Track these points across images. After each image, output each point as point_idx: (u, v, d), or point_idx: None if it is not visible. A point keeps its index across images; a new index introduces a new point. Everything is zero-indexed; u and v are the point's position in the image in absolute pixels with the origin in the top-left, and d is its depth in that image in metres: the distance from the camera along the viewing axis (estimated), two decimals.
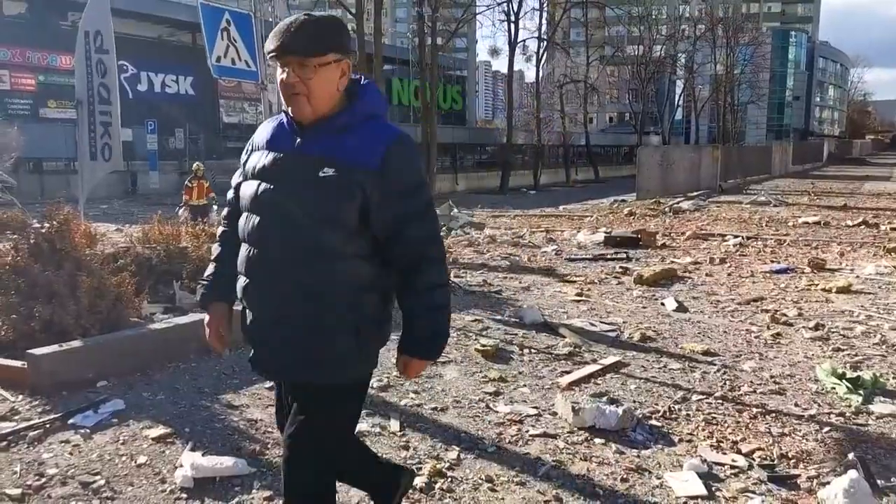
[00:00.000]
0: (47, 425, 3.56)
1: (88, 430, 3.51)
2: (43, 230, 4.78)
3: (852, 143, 74.90)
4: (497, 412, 3.82)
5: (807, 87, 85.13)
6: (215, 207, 14.33)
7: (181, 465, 3.09)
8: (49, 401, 3.87)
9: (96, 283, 4.60)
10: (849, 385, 4.09)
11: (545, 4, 38.48)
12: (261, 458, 3.23)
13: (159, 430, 3.50)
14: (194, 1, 9.20)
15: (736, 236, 10.91)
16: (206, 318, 2.20)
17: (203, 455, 3.15)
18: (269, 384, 4.23)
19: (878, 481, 2.91)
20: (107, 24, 6.45)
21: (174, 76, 34.54)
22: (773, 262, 8.79)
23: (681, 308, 6.33)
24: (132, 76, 30.64)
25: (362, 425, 3.58)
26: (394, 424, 3.62)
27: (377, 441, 3.43)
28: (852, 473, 2.86)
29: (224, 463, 3.05)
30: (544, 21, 39.28)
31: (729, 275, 8.03)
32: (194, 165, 14.52)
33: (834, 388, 4.13)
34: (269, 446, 3.36)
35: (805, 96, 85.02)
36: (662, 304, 6.52)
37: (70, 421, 3.61)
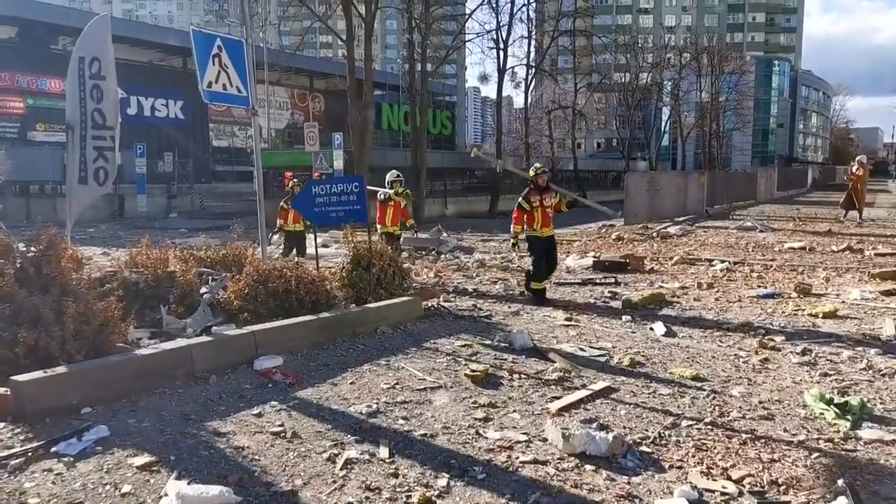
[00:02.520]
0: (29, 453, 3.50)
1: (72, 459, 3.45)
2: (29, 254, 4.74)
3: (836, 169, 76.02)
4: (487, 438, 3.80)
5: (790, 114, 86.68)
6: (309, 235, 13.33)
7: (166, 495, 3.04)
8: (32, 428, 3.81)
9: (82, 309, 4.56)
10: (837, 410, 4.11)
11: (533, 32, 39.09)
12: (248, 487, 3.18)
13: (144, 458, 3.44)
14: (186, 26, 9.28)
15: (723, 261, 10.99)
16: None
17: (189, 484, 3.10)
18: (256, 411, 4.19)
19: None
20: (106, 51, 6.48)
21: (164, 100, 34.70)
22: (759, 286, 8.85)
23: (669, 333, 6.34)
24: (122, 100, 30.54)
25: (351, 452, 3.55)
26: (383, 451, 3.58)
27: (366, 468, 3.39)
28: (842, 500, 2.87)
29: (210, 492, 3.00)
30: (532, 48, 39.86)
31: (717, 299, 8.07)
32: (290, 184, 12.03)
33: (822, 414, 4.14)
34: (255, 474, 3.32)
35: (789, 123, 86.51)
36: (651, 328, 6.53)
37: (53, 449, 3.55)
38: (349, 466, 3.41)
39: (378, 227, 9.44)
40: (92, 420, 3.95)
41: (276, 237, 11.13)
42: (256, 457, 3.52)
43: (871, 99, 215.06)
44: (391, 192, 9.44)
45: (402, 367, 5.17)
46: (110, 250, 12.91)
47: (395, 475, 3.32)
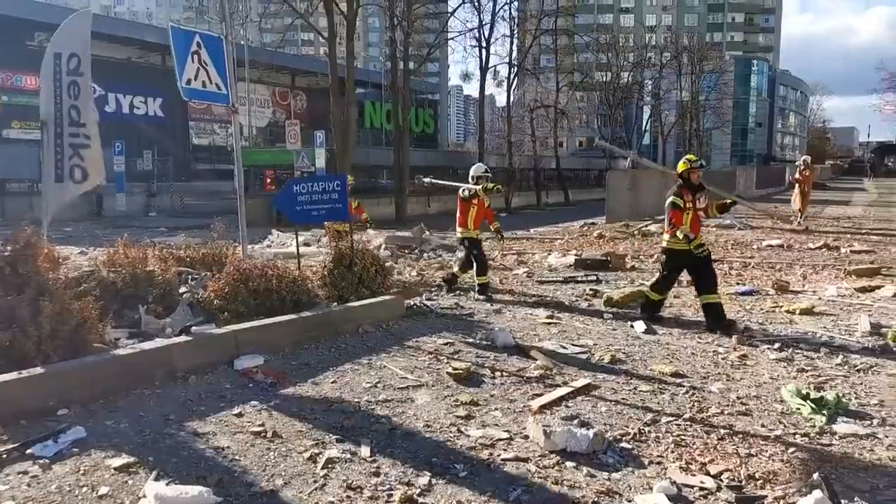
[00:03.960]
0: (4, 455, 3.44)
1: (47, 460, 3.40)
2: (5, 253, 4.66)
3: (813, 168, 77.16)
4: (469, 436, 3.81)
5: (769, 113, 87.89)
6: (370, 231, 11.94)
7: (144, 496, 3.01)
8: (6, 430, 3.74)
9: (59, 308, 4.49)
10: (813, 405, 4.17)
11: (515, 31, 39.18)
12: (227, 487, 3.16)
13: (122, 460, 3.40)
14: (165, 23, 9.17)
15: None
16: None
17: (167, 484, 3.08)
18: (236, 411, 4.17)
19: (842, 501, 2.95)
20: (84, 47, 6.39)
21: (143, 98, 34.26)
22: (738, 284, 8.95)
23: (650, 330, 6.40)
24: (100, 97, 30.26)
25: (332, 451, 3.54)
26: (364, 450, 3.58)
27: (347, 467, 3.38)
28: (817, 494, 2.91)
29: (189, 492, 2.98)
30: (515, 47, 39.95)
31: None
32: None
33: (799, 409, 4.20)
34: (235, 474, 3.29)
35: (767, 123, 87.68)
36: (632, 326, 6.58)
37: (28, 451, 3.49)
38: (330, 466, 3.40)
39: (458, 230, 8.39)
40: (69, 421, 3.90)
41: (325, 239, 9.96)
42: (237, 457, 3.50)
43: (847, 99, 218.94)
44: (478, 187, 8.17)
45: (384, 366, 5.16)
46: (88, 249, 12.71)
47: (377, 474, 3.32)
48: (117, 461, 3.39)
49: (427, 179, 11.55)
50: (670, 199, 6.51)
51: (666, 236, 6.65)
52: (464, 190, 8.32)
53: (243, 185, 7.48)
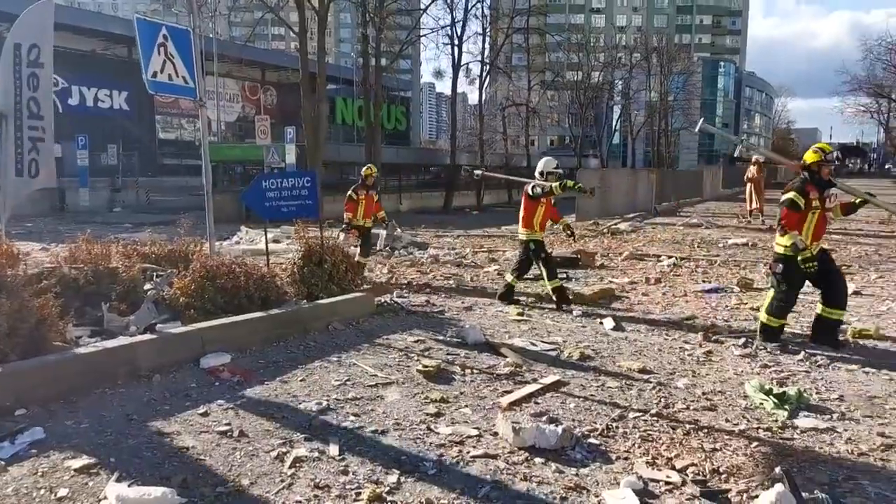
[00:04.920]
0: None
1: (3, 462, 3.31)
2: None
3: (777, 168, 78.85)
4: (438, 433, 3.80)
5: (735, 114, 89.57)
6: (383, 232, 11.81)
7: (105, 498, 2.94)
8: None
9: (17, 306, 4.36)
10: (775, 400, 4.26)
11: (488, 29, 39.22)
12: (192, 488, 3.10)
13: (82, 461, 3.32)
14: (131, 14, 8.97)
15: (670, 257, 11.27)
16: None
17: (129, 486, 3.01)
18: (202, 410, 4.09)
19: (803, 494, 3.02)
20: (46, 38, 6.21)
21: (108, 91, 33.49)
22: (704, 281, 9.11)
23: (618, 327, 6.47)
24: (63, 90, 29.55)
25: (300, 450, 3.50)
26: (333, 449, 3.55)
27: (315, 466, 3.35)
28: (779, 487, 2.97)
29: (152, 494, 2.91)
30: (487, 45, 39.99)
31: (664, 294, 8.27)
32: (364, 170, 9.73)
33: (762, 404, 4.29)
34: (200, 475, 3.24)
35: (734, 123, 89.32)
36: (601, 323, 6.65)
37: None
38: (298, 465, 3.36)
39: (522, 232, 7.57)
40: (26, 422, 3.79)
41: (343, 235, 9.12)
42: (202, 457, 3.44)
43: (810, 101, 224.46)
44: (554, 185, 7.27)
45: (354, 364, 5.13)
46: (49, 245, 12.40)
47: (345, 472, 3.29)
48: (77, 462, 3.30)
49: (478, 172, 11.19)
50: (790, 195, 5.45)
51: (781, 240, 5.60)
52: (534, 187, 7.34)
53: (211, 181, 7.35)
